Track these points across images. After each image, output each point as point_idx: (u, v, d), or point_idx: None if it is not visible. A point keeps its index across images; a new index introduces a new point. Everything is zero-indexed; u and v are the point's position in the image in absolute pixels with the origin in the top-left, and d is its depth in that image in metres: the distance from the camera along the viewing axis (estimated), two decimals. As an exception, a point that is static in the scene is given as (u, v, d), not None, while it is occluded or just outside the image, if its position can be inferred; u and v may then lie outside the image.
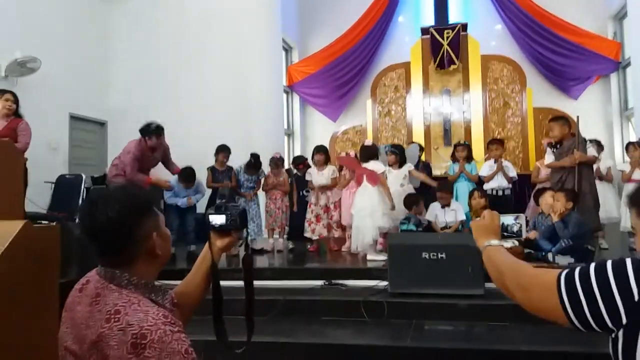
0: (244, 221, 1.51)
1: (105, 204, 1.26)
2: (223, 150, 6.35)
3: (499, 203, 5.45)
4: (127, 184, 1.50)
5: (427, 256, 4.07)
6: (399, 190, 5.63)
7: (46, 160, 6.55)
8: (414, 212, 5.45)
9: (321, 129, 10.38)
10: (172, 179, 5.88)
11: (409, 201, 5.51)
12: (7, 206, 3.23)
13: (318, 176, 6.00)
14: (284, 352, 3.44)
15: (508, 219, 4.90)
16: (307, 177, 6.09)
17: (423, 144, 7.30)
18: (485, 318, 3.78)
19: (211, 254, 1.53)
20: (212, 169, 6.37)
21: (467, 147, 6.30)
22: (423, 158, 6.59)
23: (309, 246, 6.16)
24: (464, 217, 5.53)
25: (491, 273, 1.28)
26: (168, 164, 6.04)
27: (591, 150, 5.28)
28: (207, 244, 1.54)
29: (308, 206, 6.03)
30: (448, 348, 3.28)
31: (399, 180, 5.73)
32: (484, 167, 6.05)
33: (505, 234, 4.71)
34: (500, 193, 5.86)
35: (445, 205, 5.58)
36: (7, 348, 1.32)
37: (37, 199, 6.02)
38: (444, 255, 4.05)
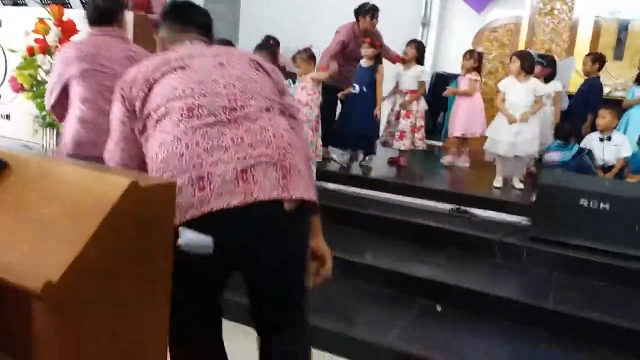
0: None
1: None
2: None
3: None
4: None
5: (585, 204, 3.43)
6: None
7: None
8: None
9: (462, 21, 9.13)
10: None
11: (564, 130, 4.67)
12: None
13: (403, 76, 5.19)
14: (405, 285, 3.18)
15: None
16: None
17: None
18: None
19: None
20: None
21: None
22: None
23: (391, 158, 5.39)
24: (628, 154, 4.51)
25: None
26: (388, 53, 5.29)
27: None
28: None
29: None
30: (599, 321, 2.80)
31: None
32: (673, 96, 4.91)
33: None
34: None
35: (606, 137, 4.59)
36: (111, 334, 1.09)
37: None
38: (607, 206, 3.39)
